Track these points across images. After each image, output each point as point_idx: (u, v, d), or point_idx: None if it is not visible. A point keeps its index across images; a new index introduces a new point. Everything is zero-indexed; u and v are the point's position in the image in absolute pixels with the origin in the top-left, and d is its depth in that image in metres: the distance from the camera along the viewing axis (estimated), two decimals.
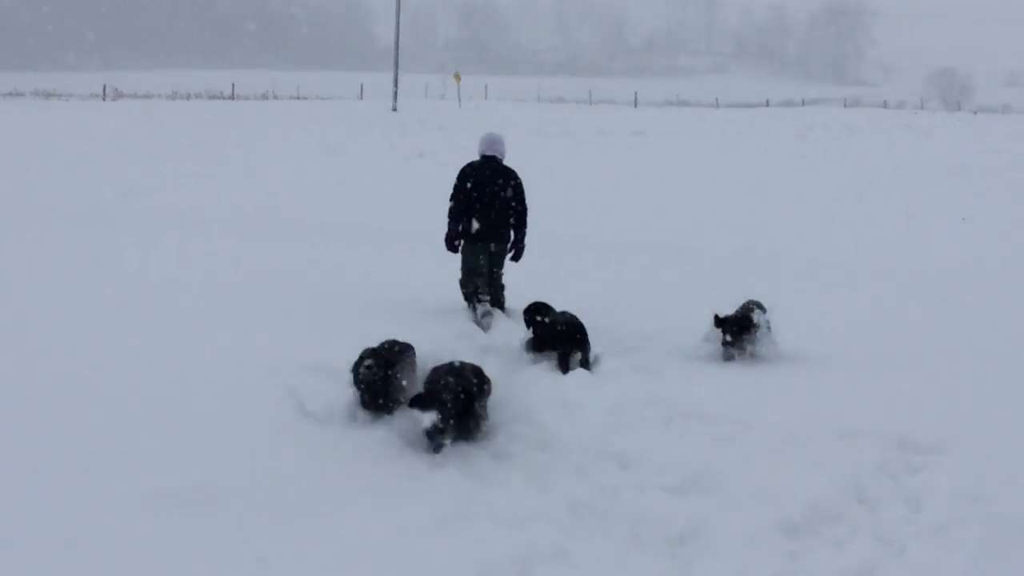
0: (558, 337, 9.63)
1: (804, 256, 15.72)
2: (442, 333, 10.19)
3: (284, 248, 14.90)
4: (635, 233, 17.90)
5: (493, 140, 11.77)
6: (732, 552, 5.98)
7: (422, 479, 6.85)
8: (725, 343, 9.89)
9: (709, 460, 7.16)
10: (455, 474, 6.94)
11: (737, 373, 9.45)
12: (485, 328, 10.83)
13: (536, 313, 10.11)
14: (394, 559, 5.80)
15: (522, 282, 11.96)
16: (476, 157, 11.78)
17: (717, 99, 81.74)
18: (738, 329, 9.88)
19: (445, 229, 11.47)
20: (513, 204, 11.47)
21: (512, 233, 11.59)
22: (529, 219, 11.60)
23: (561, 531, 6.21)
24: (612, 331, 10.59)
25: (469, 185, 11.38)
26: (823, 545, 6.13)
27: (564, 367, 9.39)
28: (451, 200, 11.47)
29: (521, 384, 8.85)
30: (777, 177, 27.72)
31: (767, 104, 79.36)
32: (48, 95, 67.31)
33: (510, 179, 11.50)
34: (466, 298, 11.47)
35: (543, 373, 9.22)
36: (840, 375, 9.42)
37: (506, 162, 11.55)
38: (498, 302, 11.55)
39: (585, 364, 9.50)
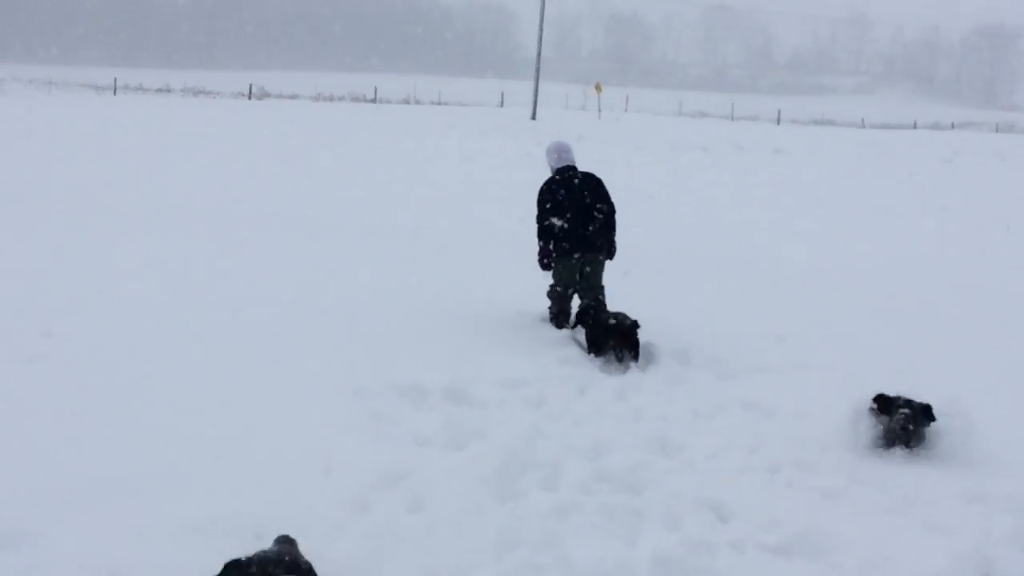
0: (609, 333, 10.07)
1: (949, 294, 14.85)
2: (547, 356, 9.78)
3: (400, 258, 14.54)
4: (771, 258, 17.18)
5: (565, 148, 11.53)
6: None
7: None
8: (899, 429, 7.62)
9: (817, 518, 6.40)
10: (527, 515, 6.33)
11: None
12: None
13: (585, 314, 10.69)
14: None
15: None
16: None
17: (863, 119, 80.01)
18: (919, 418, 7.68)
19: (536, 249, 11.16)
20: (603, 210, 11.14)
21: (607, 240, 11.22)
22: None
23: None
24: (724, 362, 9.96)
25: (560, 198, 11.01)
26: None
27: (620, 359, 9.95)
28: (538, 220, 11.11)
29: (617, 416, 8.28)
30: (921, 202, 26.74)
31: (915, 126, 77.46)
32: (197, 92, 68.79)
33: (596, 185, 11.22)
34: (553, 318, 11.20)
35: (645, 405, 8.63)
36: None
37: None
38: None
39: (635, 358, 9.94)
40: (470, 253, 15.44)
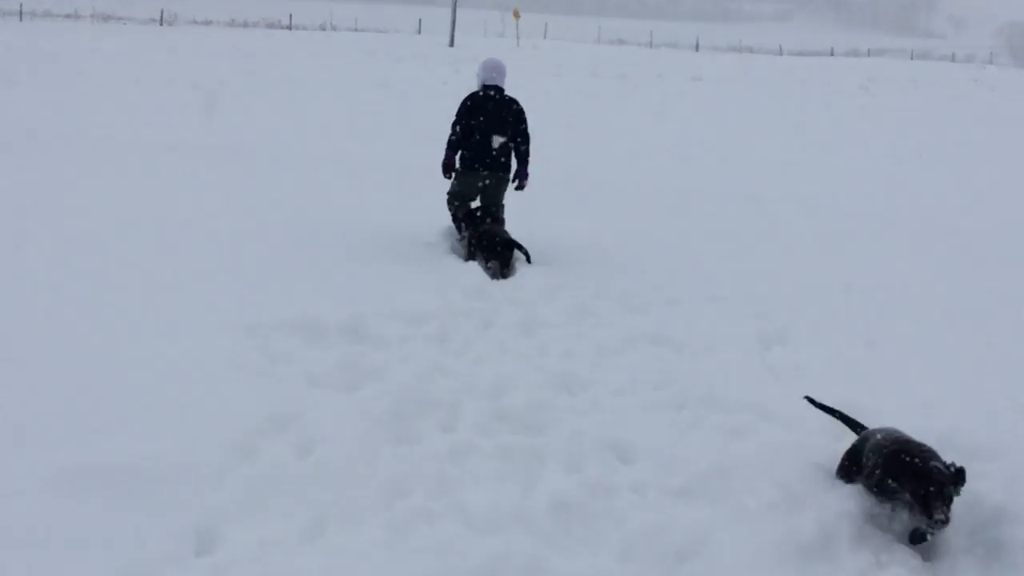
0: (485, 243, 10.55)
1: (862, 214, 14.79)
2: (451, 290, 9.52)
3: (301, 184, 14.19)
4: (689, 182, 17.02)
5: (495, 67, 11.45)
6: None
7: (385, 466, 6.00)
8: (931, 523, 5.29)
9: (722, 458, 6.21)
10: (422, 459, 6.08)
11: (773, 355, 8.48)
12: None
13: (472, 216, 11.09)
14: (346, 568, 4.98)
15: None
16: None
17: (781, 47, 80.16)
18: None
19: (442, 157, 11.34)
20: (517, 136, 11.24)
21: (514, 164, 11.35)
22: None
23: (540, 539, 5.30)
24: (635, 293, 9.75)
25: (474, 114, 11.12)
26: (845, 572, 5.18)
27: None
28: (451, 129, 11.24)
29: (521, 352, 8.05)
30: (837, 129, 26.77)
31: (832, 53, 77.69)
32: (107, 18, 67.23)
33: (514, 109, 11.26)
34: (454, 220, 11.32)
35: (551, 340, 8.39)
36: (885, 356, 8.46)
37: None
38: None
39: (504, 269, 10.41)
40: (378, 183, 15.07)
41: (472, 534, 5.31)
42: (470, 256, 10.77)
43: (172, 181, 13.97)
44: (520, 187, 11.38)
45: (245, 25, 69.62)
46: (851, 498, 5.77)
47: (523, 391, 7.18)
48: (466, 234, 11.09)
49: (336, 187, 14.41)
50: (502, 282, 10.00)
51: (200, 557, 4.98)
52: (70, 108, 21.71)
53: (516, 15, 61.78)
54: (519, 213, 11.67)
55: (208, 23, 69.18)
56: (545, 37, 74.39)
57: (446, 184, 11.64)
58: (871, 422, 6.70)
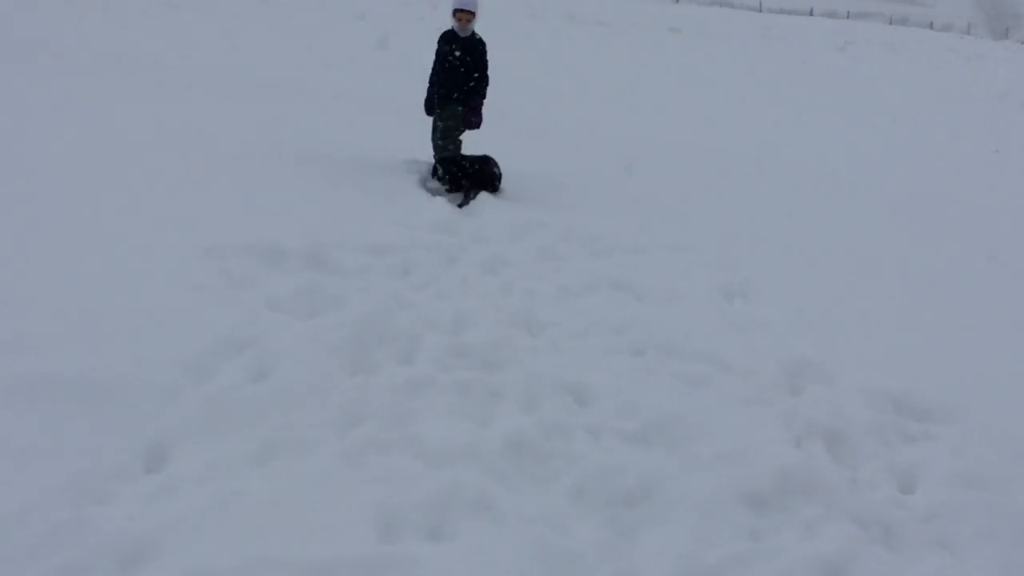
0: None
1: (816, 173, 14.82)
2: (418, 223, 9.44)
3: (273, 111, 14.03)
4: (657, 133, 16.98)
5: (466, 3, 11.47)
6: (685, 524, 5.05)
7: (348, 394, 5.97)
8: None
9: (678, 406, 6.19)
10: (378, 389, 6.03)
11: (733, 307, 8.47)
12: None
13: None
14: (295, 494, 4.95)
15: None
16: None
17: (760, 3, 79.99)
18: None
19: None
20: (478, 75, 11.44)
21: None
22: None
23: (492, 475, 5.28)
24: (600, 238, 9.71)
25: (448, 50, 11.38)
26: (792, 524, 5.17)
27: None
28: (433, 66, 11.52)
29: (484, 290, 8.00)
30: (810, 89, 26.75)
31: (811, 13, 77.58)
32: None
33: (479, 49, 11.45)
34: (441, 161, 11.26)
35: (514, 279, 8.34)
36: (835, 308, 8.47)
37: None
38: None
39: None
40: (352, 114, 14.95)
41: (423, 466, 5.28)
42: (454, 187, 10.94)
43: (135, 102, 13.78)
44: (470, 126, 11.49)
45: None
46: (803, 450, 5.81)
47: (483, 328, 7.14)
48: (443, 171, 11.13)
49: (309, 116, 14.26)
50: (469, 219, 9.95)
51: (150, 473, 4.96)
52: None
53: None
54: (505, 153, 11.69)
55: None
56: None
57: (422, 118, 11.72)
58: (829, 379, 6.76)
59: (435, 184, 10.97)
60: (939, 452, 6.02)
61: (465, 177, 10.94)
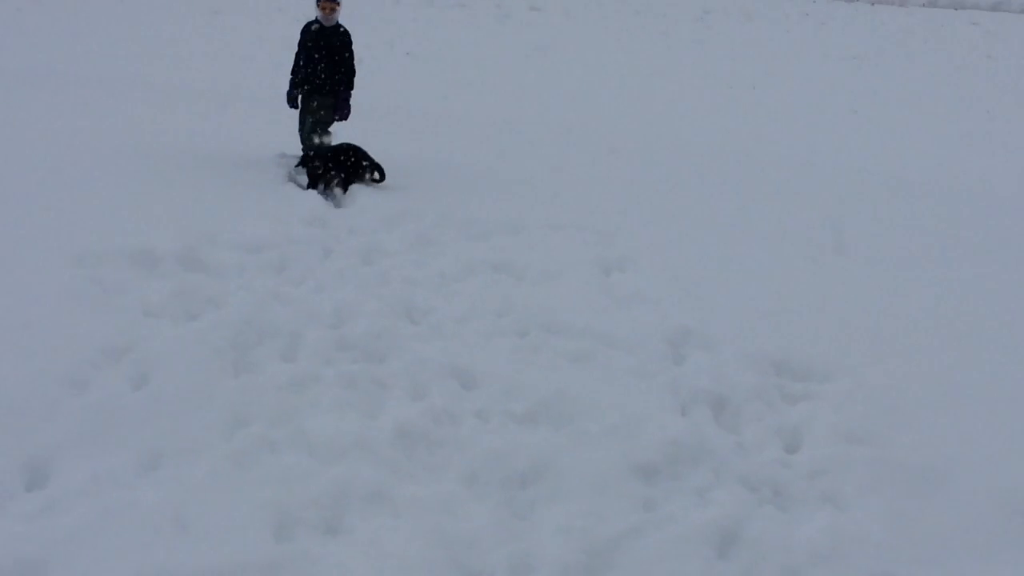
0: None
1: (687, 144, 15.00)
2: (290, 218, 9.33)
3: (133, 111, 13.73)
4: (527, 115, 17.01)
5: None
6: (578, 499, 5.10)
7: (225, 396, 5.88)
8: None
9: (564, 383, 6.23)
10: (262, 388, 5.98)
11: (613, 281, 8.53)
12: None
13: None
14: (186, 500, 4.87)
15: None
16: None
17: None
18: None
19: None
20: (341, 65, 11.36)
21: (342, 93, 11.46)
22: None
23: (384, 466, 5.28)
24: (477, 220, 9.71)
25: (308, 43, 11.30)
26: (684, 492, 5.26)
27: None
28: (294, 59, 11.48)
29: (362, 281, 7.95)
30: (673, 61, 27.03)
31: None
32: None
33: (341, 40, 11.36)
34: (310, 155, 11.11)
35: (392, 268, 8.30)
36: (714, 277, 8.58)
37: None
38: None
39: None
40: (212, 109, 14.72)
41: (315, 462, 5.25)
42: (313, 183, 10.66)
43: None
44: (341, 118, 11.43)
45: None
46: (690, 419, 5.91)
47: (364, 319, 7.08)
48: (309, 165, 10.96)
49: (168, 113, 13.98)
50: (342, 210, 9.90)
51: (31, 491, 4.85)
52: None
53: None
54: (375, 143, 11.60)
55: None
56: None
57: (287, 112, 11.65)
58: (711, 346, 6.87)
59: (303, 178, 10.81)
60: (821, 410, 6.17)
61: (339, 169, 10.72)
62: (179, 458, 5.19)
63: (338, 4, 11.28)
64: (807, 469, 5.56)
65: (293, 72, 11.43)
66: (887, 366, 6.77)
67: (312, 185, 10.62)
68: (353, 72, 11.39)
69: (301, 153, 11.37)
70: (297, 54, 11.40)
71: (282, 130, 12.04)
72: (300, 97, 11.40)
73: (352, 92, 11.40)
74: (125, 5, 29.33)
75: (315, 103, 11.32)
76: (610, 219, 10.14)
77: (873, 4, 66.58)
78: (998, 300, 8.43)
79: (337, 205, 10.11)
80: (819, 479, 5.47)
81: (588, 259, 8.82)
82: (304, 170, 10.82)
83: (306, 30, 11.39)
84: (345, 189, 10.61)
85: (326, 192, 10.52)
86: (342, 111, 11.36)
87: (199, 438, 5.38)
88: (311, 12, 11.60)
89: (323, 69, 11.23)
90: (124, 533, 4.55)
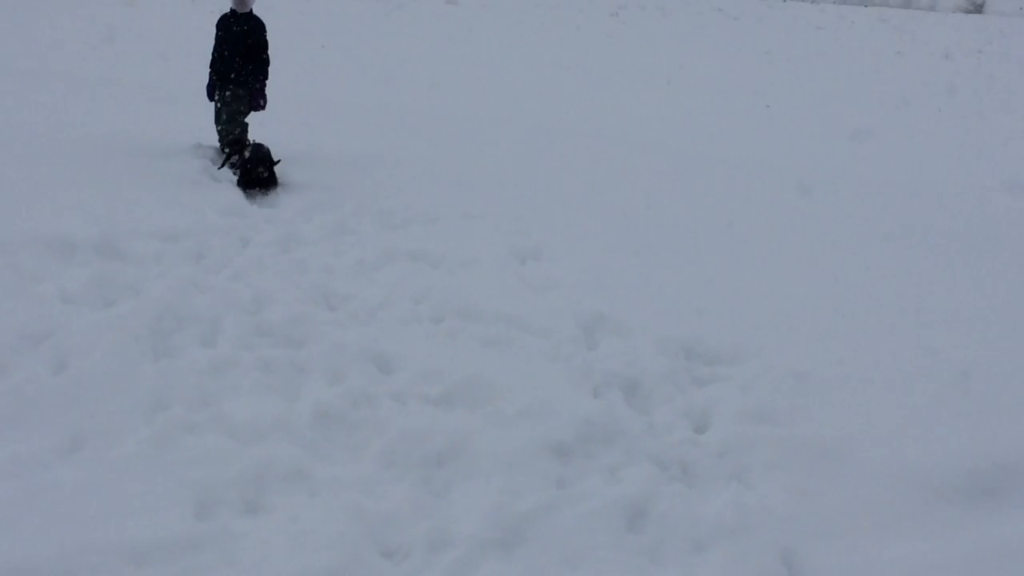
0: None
1: (603, 136, 15.19)
2: (208, 206, 9.38)
3: (46, 100, 13.62)
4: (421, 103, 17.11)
5: None
6: (494, 477, 5.25)
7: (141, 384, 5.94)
8: None
9: (479, 367, 6.38)
10: (182, 373, 6.05)
11: (528, 269, 8.68)
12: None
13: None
14: (108, 480, 4.94)
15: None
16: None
17: None
18: None
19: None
20: (256, 57, 11.31)
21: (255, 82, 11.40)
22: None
23: (303, 447, 5.39)
24: (394, 211, 9.82)
25: (222, 34, 11.29)
26: (596, 470, 5.43)
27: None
28: (212, 52, 11.39)
29: (280, 269, 8.04)
30: (588, 55, 27.28)
31: None
32: None
33: (254, 30, 11.32)
34: (229, 145, 11.22)
35: (310, 257, 8.40)
36: (627, 264, 8.77)
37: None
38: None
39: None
40: (126, 98, 14.64)
41: (235, 444, 5.35)
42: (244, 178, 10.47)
43: None
44: (256, 108, 11.40)
45: None
46: (602, 400, 6.09)
47: (283, 306, 7.19)
48: (231, 158, 11.05)
49: (82, 103, 13.90)
50: (259, 200, 9.95)
51: None
52: None
53: None
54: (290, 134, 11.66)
55: None
56: None
57: (203, 103, 11.63)
58: (623, 332, 7.06)
59: (225, 171, 10.83)
60: (728, 392, 6.38)
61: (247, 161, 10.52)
62: (100, 440, 5.25)
63: None
64: (715, 448, 5.75)
65: (211, 65, 11.34)
66: (792, 349, 7.00)
67: (240, 179, 10.52)
68: (267, 62, 11.35)
69: (217, 144, 11.38)
70: (214, 47, 11.31)
71: (198, 121, 12.03)
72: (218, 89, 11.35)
73: (267, 81, 11.37)
74: None
75: (228, 93, 11.26)
76: (525, 209, 10.29)
77: (785, 0, 67.56)
78: (900, 284, 8.71)
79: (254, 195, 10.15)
80: (726, 457, 5.67)
81: (503, 248, 8.97)
82: (230, 164, 10.90)
83: (221, 20, 11.36)
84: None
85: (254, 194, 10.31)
86: (257, 101, 11.34)
87: (120, 421, 5.45)
88: (225, 4, 11.61)
89: (237, 59, 11.19)
90: (47, 512, 4.61)
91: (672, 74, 24.10)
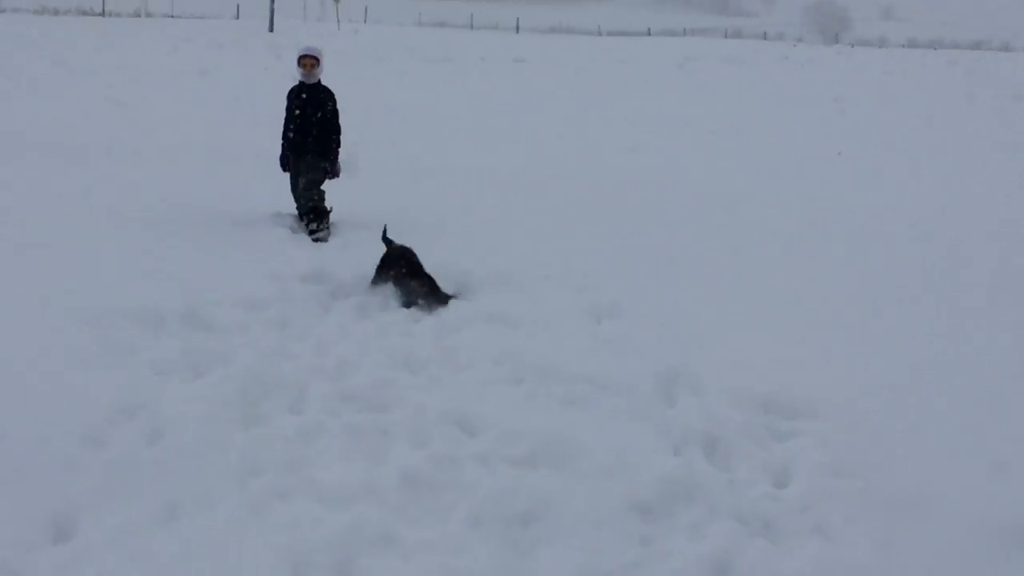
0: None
1: (672, 187, 15.26)
2: (287, 275, 9.59)
3: (127, 174, 14.01)
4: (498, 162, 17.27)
5: (301, 50, 11.85)
6: (578, 537, 5.35)
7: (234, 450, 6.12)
8: None
9: (561, 427, 6.49)
10: (272, 440, 6.24)
11: (603, 328, 8.78)
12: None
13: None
14: (203, 548, 5.10)
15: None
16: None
17: (599, 27, 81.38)
18: None
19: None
20: (326, 125, 11.62)
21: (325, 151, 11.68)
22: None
23: (391, 511, 5.53)
24: (465, 272, 9.94)
25: (291, 104, 11.68)
26: (679, 528, 5.51)
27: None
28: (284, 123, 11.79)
29: (361, 335, 8.22)
30: (657, 107, 27.42)
31: (649, 33, 79.17)
32: None
33: (323, 99, 11.65)
34: (310, 212, 11.42)
35: (390, 323, 8.59)
36: (710, 324, 8.85)
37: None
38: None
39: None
40: (205, 169, 14.99)
41: (325, 509, 5.49)
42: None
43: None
44: (331, 176, 11.71)
45: (56, 13, 67.57)
46: (682, 457, 6.17)
47: (366, 371, 7.38)
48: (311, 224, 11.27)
49: (162, 175, 14.26)
50: (338, 265, 10.08)
51: (57, 545, 5.05)
52: None
53: None
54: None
55: (16, 10, 66.96)
56: (365, 21, 74.17)
57: (277, 171, 11.95)
58: (700, 388, 7.14)
59: (303, 238, 11.04)
60: (808, 446, 6.44)
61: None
62: (196, 508, 5.42)
63: (317, 60, 11.62)
64: (797, 503, 5.81)
65: (283, 136, 11.72)
66: (869, 402, 7.04)
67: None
68: (338, 130, 11.66)
69: (296, 212, 11.66)
70: (286, 118, 11.70)
71: (272, 187, 12.27)
72: (291, 159, 11.68)
73: (340, 150, 11.67)
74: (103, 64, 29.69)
75: (302, 163, 11.58)
76: (599, 267, 10.39)
77: (853, 47, 67.35)
78: (974, 336, 8.71)
79: (331, 261, 10.28)
80: (808, 512, 5.72)
81: (578, 307, 9.09)
82: (312, 228, 11.22)
83: (290, 93, 11.74)
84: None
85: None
86: (333, 170, 11.65)
87: (213, 488, 5.61)
88: (294, 71, 11.92)
89: (307, 129, 11.52)
90: None
91: (741, 123, 24.13)
